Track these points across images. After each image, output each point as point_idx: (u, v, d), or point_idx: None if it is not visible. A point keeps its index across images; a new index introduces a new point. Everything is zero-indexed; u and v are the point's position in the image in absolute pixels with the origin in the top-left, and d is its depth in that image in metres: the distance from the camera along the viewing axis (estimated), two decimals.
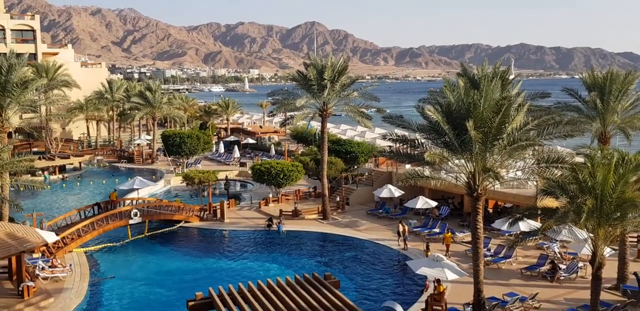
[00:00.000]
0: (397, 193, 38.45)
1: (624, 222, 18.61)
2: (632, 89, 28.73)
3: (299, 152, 55.57)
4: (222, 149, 67.43)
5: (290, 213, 38.28)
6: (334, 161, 43.07)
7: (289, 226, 36.17)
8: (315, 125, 63.10)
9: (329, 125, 57.97)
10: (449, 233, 30.29)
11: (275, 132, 79.12)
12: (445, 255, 26.92)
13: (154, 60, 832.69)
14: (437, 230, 33.77)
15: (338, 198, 41.53)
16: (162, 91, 68.50)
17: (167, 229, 36.27)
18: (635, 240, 29.08)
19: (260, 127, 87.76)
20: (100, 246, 32.88)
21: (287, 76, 44.75)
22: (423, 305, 22.24)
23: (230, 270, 29.14)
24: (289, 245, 33.66)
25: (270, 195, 42.99)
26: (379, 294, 25.52)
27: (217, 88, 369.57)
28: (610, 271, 23.86)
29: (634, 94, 28.92)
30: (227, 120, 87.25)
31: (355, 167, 47.42)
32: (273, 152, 63.82)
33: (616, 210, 18.19)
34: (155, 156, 64.17)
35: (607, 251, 22.00)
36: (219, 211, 38.44)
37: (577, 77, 33.84)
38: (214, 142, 68.06)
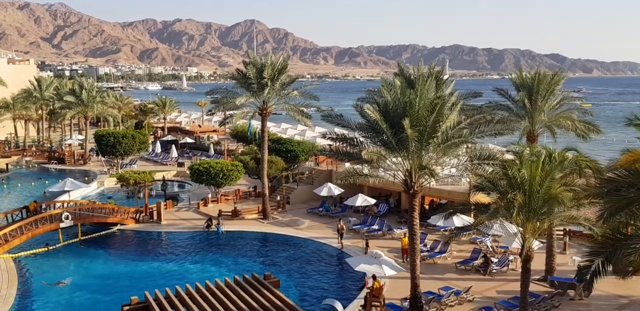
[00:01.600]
0: (337, 191, 38.78)
1: (550, 216, 19.49)
2: (558, 89, 30.13)
3: (239, 151, 55.08)
4: (159, 149, 65.84)
5: (230, 214, 37.86)
6: (275, 160, 42.94)
7: (228, 226, 35.75)
8: (256, 124, 62.71)
9: (269, 124, 57.65)
10: (406, 238, 29.01)
11: (215, 131, 78.00)
12: (403, 261, 27.12)
13: (86, 57, 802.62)
14: (375, 227, 34.31)
15: (279, 198, 41.43)
16: (96, 89, 66.03)
17: (101, 233, 35.03)
18: (562, 233, 30.57)
19: (199, 126, 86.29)
20: (30, 252, 31.35)
21: (227, 74, 44.41)
22: (362, 302, 22.55)
23: (168, 273, 28.49)
24: (228, 245, 33.27)
25: (209, 196, 42.35)
26: (319, 292, 25.64)
27: (154, 87, 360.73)
28: (539, 263, 24.97)
29: (560, 94, 30.33)
30: (164, 119, 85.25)
31: (296, 165, 47.49)
32: (212, 151, 62.93)
33: (543, 205, 19.03)
34: (87, 157, 61.90)
35: (536, 244, 22.97)
36: (155, 213, 37.50)
37: (507, 77, 35.45)
38: (150, 141, 66.34)
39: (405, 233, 28.69)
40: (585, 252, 15.13)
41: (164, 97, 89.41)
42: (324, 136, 25.64)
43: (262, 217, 37.96)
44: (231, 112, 40.05)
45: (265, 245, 33.98)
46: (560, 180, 20.32)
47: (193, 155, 62.35)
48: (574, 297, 23.40)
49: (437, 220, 29.11)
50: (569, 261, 27.30)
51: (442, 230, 32.93)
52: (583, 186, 20.67)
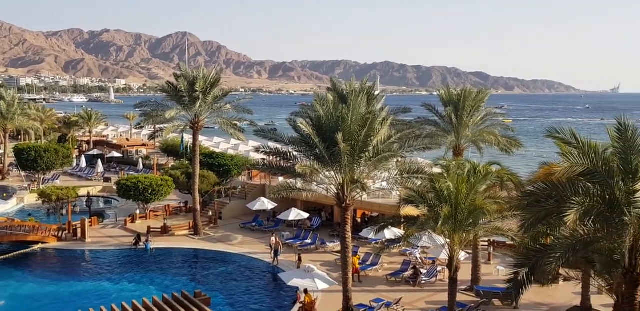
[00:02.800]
0: (270, 205, 38.59)
1: (476, 227, 20.29)
2: (483, 106, 31.55)
3: (169, 166, 53.76)
4: (83, 164, 63.17)
5: (160, 230, 36.78)
6: (207, 174, 42.25)
7: (158, 243, 34.71)
8: (187, 137, 61.54)
9: (201, 138, 56.78)
10: (357, 257, 28.87)
11: (144, 145, 75.78)
12: (354, 281, 26.73)
13: (6, 68, 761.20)
14: (309, 241, 34.37)
15: (210, 213, 40.71)
16: (17, 101, 62.75)
17: (20, 252, 33.05)
18: (486, 244, 31.77)
19: (127, 139, 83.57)
20: None
21: (157, 87, 43.21)
22: None
23: (93, 293, 27.23)
24: (157, 263, 32.27)
25: (138, 212, 41.01)
26: (252, 308, 25.30)
27: (79, 99, 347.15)
28: (465, 274, 25.81)
29: (484, 110, 31.76)
30: (90, 132, 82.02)
31: (229, 180, 46.89)
32: (141, 166, 61.10)
33: (469, 217, 19.80)
34: (6, 172, 58.49)
35: (462, 255, 23.81)
36: (79, 230, 35.86)
37: (435, 93, 36.89)
38: (74, 156, 63.68)
39: (356, 254, 28.64)
40: (511, 264, 15.77)
41: (89, 109, 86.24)
42: (257, 150, 25.56)
43: (193, 233, 37.13)
44: (161, 125, 39.15)
45: (196, 262, 33.21)
46: (484, 193, 21.22)
47: (120, 170, 60.28)
48: (516, 306, 24.19)
49: (369, 233, 29.49)
50: (494, 271, 28.40)
51: (373, 242, 33.43)
52: (505, 198, 21.69)
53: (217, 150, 56.53)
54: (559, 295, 25.62)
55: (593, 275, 16.96)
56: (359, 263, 29.44)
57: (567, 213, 13.50)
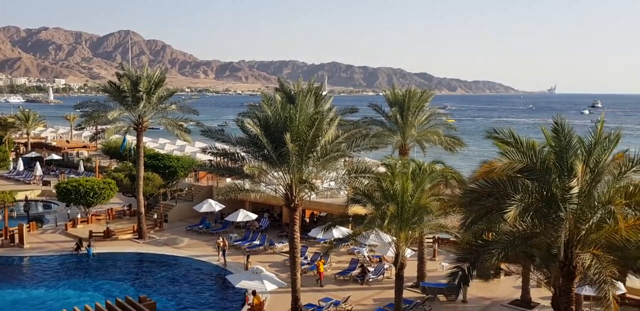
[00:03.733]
0: (217, 207, 38.13)
1: (421, 225, 20.73)
2: (427, 106, 32.25)
3: (112, 168, 52.24)
4: (21, 167, 60.48)
5: (102, 234, 35.68)
6: (151, 177, 41.30)
7: (100, 248, 33.66)
8: (131, 139, 60.00)
9: (146, 139, 55.47)
10: (322, 261, 28.36)
11: (85, 147, 73.32)
12: (321, 286, 26.70)
13: None
14: (257, 242, 34.17)
15: (155, 216, 39.83)
16: None
17: None
18: (431, 241, 32.50)
19: (67, 141, 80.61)
20: None
21: (99, 87, 41.87)
22: None
23: (33, 301, 26.13)
24: (100, 268, 31.30)
25: (79, 216, 39.64)
26: None
27: (16, 99, 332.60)
28: (411, 270, 26.34)
29: (428, 110, 32.47)
30: (28, 134, 78.64)
31: (174, 182, 46.00)
32: (82, 168, 59.09)
33: (414, 215, 20.21)
34: None
35: (408, 252, 24.23)
36: (17, 236, 34.33)
37: (381, 94, 37.65)
38: (11, 158, 60.94)
39: (321, 258, 28.62)
40: (453, 259, 16.22)
41: (27, 110, 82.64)
42: (204, 151, 25.20)
43: (137, 236, 36.22)
44: (103, 126, 37.99)
45: (141, 266, 32.42)
46: (429, 191, 21.69)
47: (60, 173, 58.07)
48: (464, 300, 24.86)
49: (317, 233, 29.62)
50: (438, 267, 29.09)
51: (322, 242, 33.58)
52: (449, 196, 22.26)
53: (162, 152, 55.33)
54: (501, 289, 26.52)
55: (532, 269, 17.69)
56: (308, 263, 29.53)
57: (507, 210, 14.01)
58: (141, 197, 36.43)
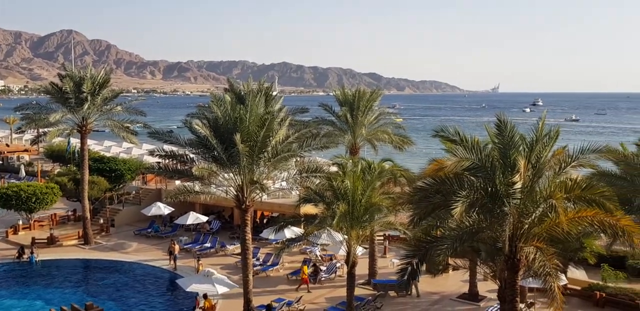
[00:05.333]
0: (166, 210, 37.42)
1: (372, 222, 20.99)
2: (376, 105, 32.66)
3: (55, 172, 50.42)
4: None
5: (46, 241, 34.38)
6: (97, 180, 40.08)
7: (44, 255, 32.41)
8: (75, 142, 58.11)
9: (90, 141, 53.84)
10: (306, 267, 27.50)
11: (26, 150, 70.43)
12: (308, 291, 26.21)
13: None
14: (208, 244, 33.72)
15: (102, 220, 38.70)
16: None
17: None
18: (382, 238, 32.94)
19: (7, 145, 77.19)
20: None
21: (40, 88, 40.33)
22: None
23: None
24: (44, 276, 30.15)
25: (20, 222, 38.04)
26: None
27: None
28: (363, 268, 26.61)
29: (378, 110, 32.90)
30: None
31: (121, 185, 44.80)
32: (23, 173, 56.79)
33: (365, 213, 20.43)
34: None
35: (360, 250, 24.51)
36: None
37: (332, 94, 37.98)
38: None
39: (305, 262, 28.41)
40: (403, 255, 16.51)
41: None
42: (151, 153, 24.69)
43: (83, 242, 35.08)
44: (45, 129, 36.62)
45: (87, 273, 31.47)
46: (379, 189, 21.99)
47: (0, 178, 55.61)
48: (418, 294, 25.27)
49: (269, 234, 29.49)
50: (389, 264, 29.52)
51: (274, 242, 33.47)
52: (398, 194, 22.63)
53: (108, 154, 53.78)
54: (449, 284, 27.17)
55: (479, 263, 18.16)
56: (260, 264, 29.38)
57: (454, 206, 14.36)
58: (86, 202, 35.32)
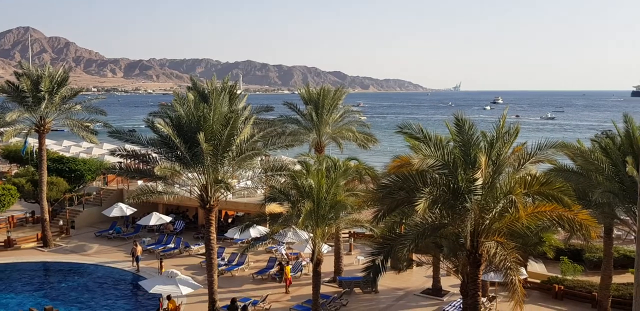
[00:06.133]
0: (128, 211, 36.75)
1: (337, 220, 21.09)
2: (341, 103, 32.78)
3: (12, 173, 48.89)
4: None
5: (3, 244, 33.31)
6: (56, 181, 39.04)
7: (1, 258, 31.42)
8: (32, 142, 56.47)
9: (49, 141, 52.38)
10: (289, 267, 26.86)
11: None
12: (286, 292, 25.86)
13: None
14: (172, 245, 33.27)
15: (61, 222, 37.72)
16: None
17: None
18: (347, 235, 33.12)
19: None
20: None
21: None
22: None
23: None
24: (2, 280, 29.15)
25: None
26: None
27: None
28: (329, 266, 26.70)
29: (342, 108, 33.03)
30: None
31: (82, 186, 43.76)
32: None
33: (330, 211, 20.51)
34: None
35: (325, 248, 24.57)
36: None
37: (296, 92, 38.00)
38: None
39: (288, 262, 28.08)
40: (368, 252, 16.65)
41: None
42: (113, 153, 24.21)
43: (42, 245, 34.12)
44: (1, 129, 35.46)
45: (46, 276, 30.62)
46: (344, 187, 22.10)
47: None
48: (376, 290, 25.45)
49: (234, 233, 29.34)
50: (354, 261, 29.72)
51: (239, 242, 33.28)
52: (363, 191, 22.79)
53: (67, 155, 52.43)
54: (414, 279, 27.53)
55: (442, 259, 18.47)
56: (225, 264, 29.16)
57: (417, 203, 14.55)
58: (45, 203, 34.38)
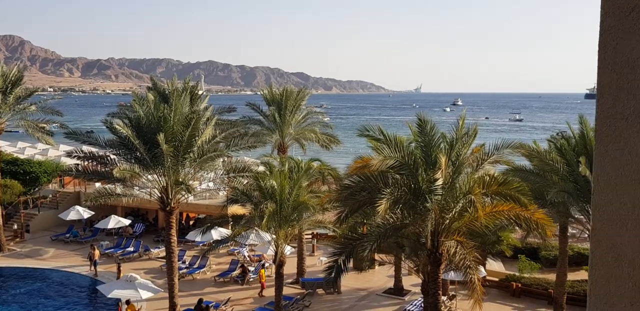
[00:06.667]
0: (86, 214, 35.82)
1: (300, 221, 21.08)
2: (304, 105, 32.82)
3: None
4: None
5: None
6: (10, 184, 37.75)
7: None
8: None
9: (2, 143, 50.63)
10: (263, 270, 26.51)
11: None
12: (260, 295, 25.32)
13: None
14: (131, 248, 32.58)
15: (16, 226, 36.49)
16: None
17: None
18: (310, 237, 33.14)
19: None
20: None
21: None
22: None
23: None
24: None
25: None
26: None
27: None
28: (291, 267, 26.65)
29: (305, 109, 33.08)
30: None
31: (37, 189, 42.45)
32: None
33: (293, 212, 20.48)
34: None
35: (288, 249, 24.54)
36: None
37: (259, 93, 37.89)
38: None
39: (263, 266, 27.58)
40: (330, 253, 16.70)
41: None
42: (69, 155, 23.62)
43: None
44: None
45: (0, 282, 29.56)
46: (307, 188, 22.12)
47: None
48: (338, 291, 25.50)
49: (196, 236, 28.95)
50: (317, 262, 29.76)
51: (200, 244, 32.86)
52: (326, 192, 22.86)
53: (22, 156, 50.78)
54: (376, 279, 27.75)
55: (403, 258, 18.69)
56: (186, 267, 28.75)
57: (379, 203, 14.69)
58: None
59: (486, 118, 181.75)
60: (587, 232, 20.86)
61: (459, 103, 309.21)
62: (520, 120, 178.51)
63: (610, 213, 1.70)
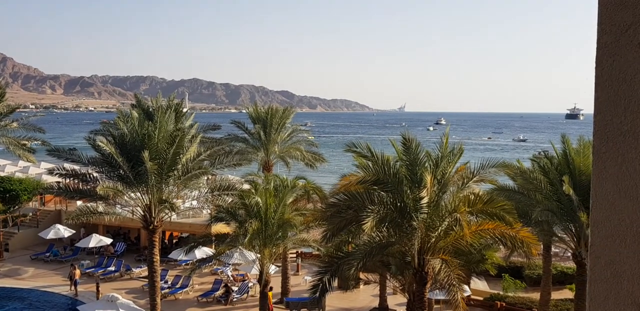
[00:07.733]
0: (67, 233, 35.19)
1: (285, 240, 20.94)
2: (289, 123, 32.91)
3: None
4: None
5: None
6: None
7: None
8: None
9: None
10: (271, 293, 24.32)
11: None
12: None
13: None
14: (112, 268, 32.00)
15: None
16: None
17: None
18: (295, 255, 32.86)
19: None
20: None
21: None
22: None
23: None
24: None
25: None
26: None
27: None
28: (276, 286, 26.31)
29: (290, 127, 33.16)
30: None
31: (17, 207, 41.70)
32: None
33: (278, 230, 20.35)
34: None
35: (272, 268, 24.28)
36: None
37: (244, 111, 37.99)
38: None
39: (270, 288, 26.21)
40: (315, 272, 16.56)
41: None
42: (51, 172, 23.32)
43: None
44: None
45: None
46: (292, 206, 22.03)
47: None
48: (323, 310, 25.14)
49: (179, 255, 28.57)
50: (302, 281, 29.46)
51: (183, 264, 32.38)
52: (312, 210, 22.79)
53: (2, 174, 50.00)
54: (360, 299, 27.51)
55: (389, 277, 18.60)
56: (169, 287, 28.26)
57: (364, 221, 14.66)
58: None
59: (489, 138, 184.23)
60: (571, 251, 20.96)
61: (443, 122, 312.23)
62: (524, 140, 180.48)
63: (609, 229, 1.71)
